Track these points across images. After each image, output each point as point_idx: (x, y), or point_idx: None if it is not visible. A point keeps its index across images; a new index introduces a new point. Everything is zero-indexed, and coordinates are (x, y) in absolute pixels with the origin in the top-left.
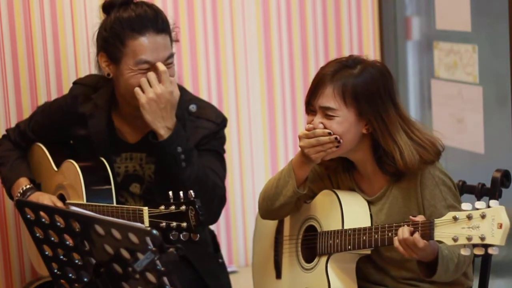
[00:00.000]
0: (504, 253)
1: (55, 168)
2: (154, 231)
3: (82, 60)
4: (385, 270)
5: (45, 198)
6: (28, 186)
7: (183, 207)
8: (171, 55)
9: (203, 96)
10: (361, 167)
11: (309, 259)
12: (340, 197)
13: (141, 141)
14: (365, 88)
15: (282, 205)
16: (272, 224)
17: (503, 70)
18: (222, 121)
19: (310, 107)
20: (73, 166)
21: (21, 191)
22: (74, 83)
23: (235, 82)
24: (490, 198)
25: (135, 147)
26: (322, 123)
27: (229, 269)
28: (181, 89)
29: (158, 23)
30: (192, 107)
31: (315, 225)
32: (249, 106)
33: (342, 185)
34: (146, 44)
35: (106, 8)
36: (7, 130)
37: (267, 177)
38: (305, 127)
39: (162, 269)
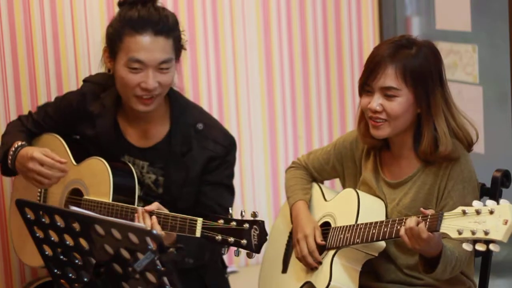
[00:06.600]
0: (505, 253)
1: (74, 162)
2: (154, 231)
3: (82, 60)
4: (393, 257)
5: (34, 150)
6: (20, 143)
7: (246, 225)
8: (168, 60)
9: (203, 96)
10: (397, 148)
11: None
12: (360, 196)
13: (147, 150)
14: (421, 69)
15: None
16: (289, 221)
17: (503, 70)
18: (230, 144)
19: (367, 88)
20: (103, 165)
21: (13, 149)
22: (84, 80)
23: (235, 82)
24: (490, 198)
25: (140, 154)
26: (381, 104)
27: (229, 269)
28: (187, 105)
29: (159, 25)
30: (200, 126)
31: (330, 221)
32: (249, 106)
33: (364, 164)
34: (141, 43)
35: (119, 4)
36: (19, 116)
37: (267, 177)
38: (362, 108)
39: (162, 269)
